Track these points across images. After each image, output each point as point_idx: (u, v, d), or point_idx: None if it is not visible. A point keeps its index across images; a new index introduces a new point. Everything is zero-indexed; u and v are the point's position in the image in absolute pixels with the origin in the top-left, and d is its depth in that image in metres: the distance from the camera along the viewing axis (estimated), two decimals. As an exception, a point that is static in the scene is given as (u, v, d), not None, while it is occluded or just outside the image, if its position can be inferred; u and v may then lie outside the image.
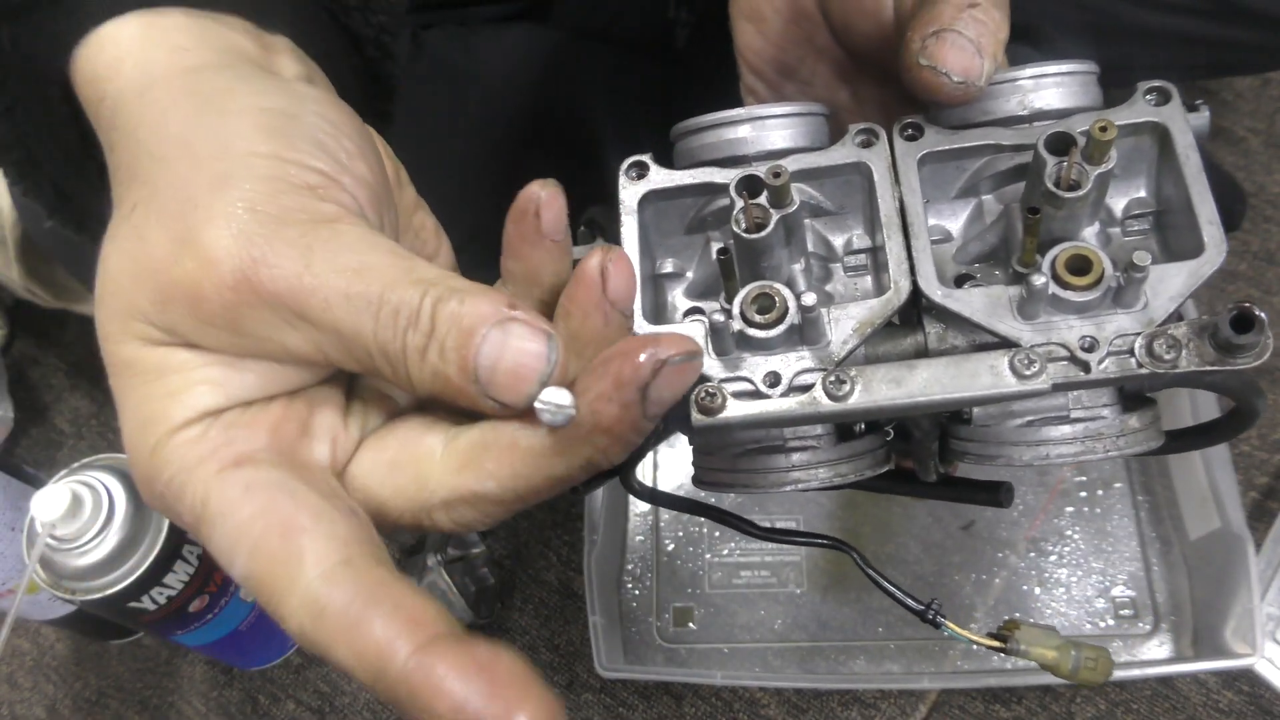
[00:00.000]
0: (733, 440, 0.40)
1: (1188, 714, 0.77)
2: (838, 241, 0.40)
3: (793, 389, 0.36)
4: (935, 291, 0.36)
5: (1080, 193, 0.34)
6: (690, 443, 0.43)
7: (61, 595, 0.66)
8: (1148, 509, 0.83)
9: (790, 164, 0.38)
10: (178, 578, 0.68)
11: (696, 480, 0.43)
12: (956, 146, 0.38)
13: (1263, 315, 0.33)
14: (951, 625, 0.48)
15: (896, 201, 0.38)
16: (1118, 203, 0.38)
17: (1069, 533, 0.82)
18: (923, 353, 0.37)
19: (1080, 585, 0.81)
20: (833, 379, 0.35)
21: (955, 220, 0.40)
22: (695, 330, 0.37)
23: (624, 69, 0.75)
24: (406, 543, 0.90)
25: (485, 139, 0.72)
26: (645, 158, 0.40)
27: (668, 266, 0.41)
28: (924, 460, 0.44)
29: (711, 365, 0.36)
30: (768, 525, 0.50)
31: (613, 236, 0.40)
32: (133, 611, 0.68)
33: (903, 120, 0.39)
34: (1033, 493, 0.84)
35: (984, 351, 0.35)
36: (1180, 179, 0.36)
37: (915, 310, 0.38)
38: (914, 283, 0.36)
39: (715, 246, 0.37)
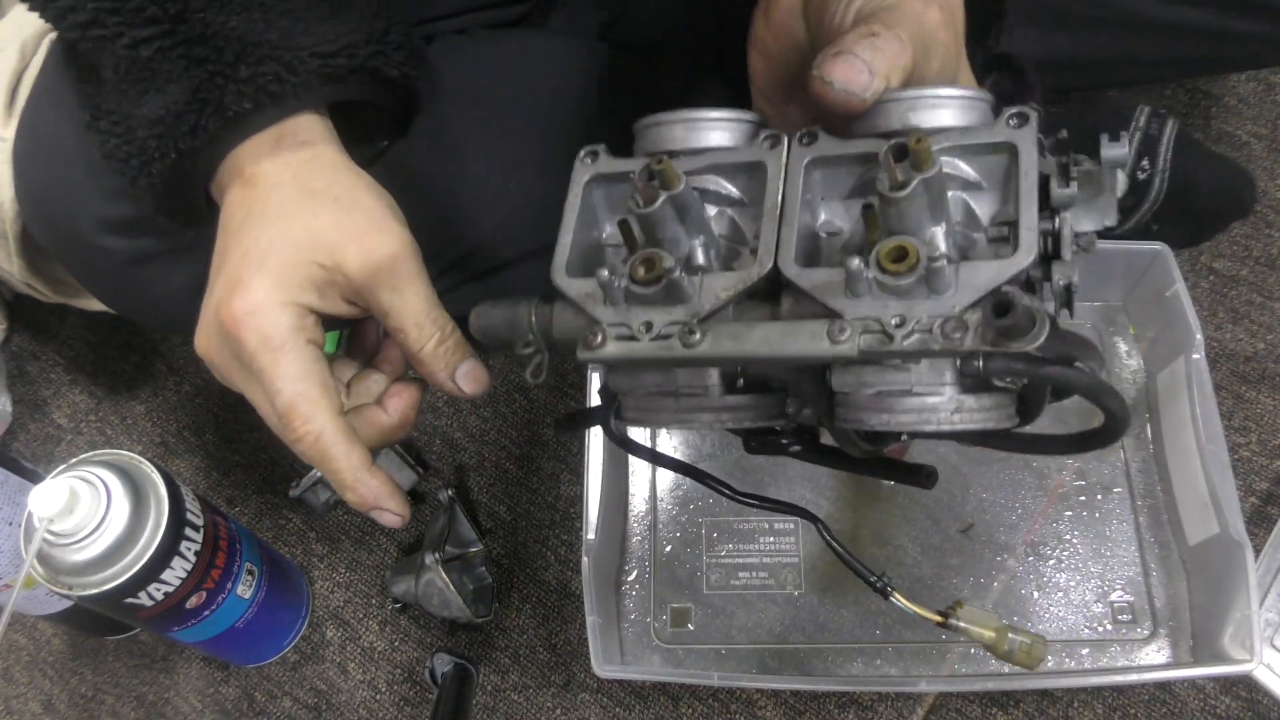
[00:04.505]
0: (639, 384, 0.48)
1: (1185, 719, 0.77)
2: (750, 230, 0.47)
3: (659, 337, 0.43)
4: (790, 269, 0.43)
5: (904, 193, 0.39)
6: (609, 387, 0.50)
7: (58, 590, 0.65)
8: (1147, 514, 0.83)
9: (707, 158, 0.47)
10: (175, 574, 0.68)
11: (616, 416, 0.50)
12: (839, 153, 0.45)
13: (1026, 303, 0.36)
14: (899, 597, 0.54)
15: (779, 195, 0.44)
16: (985, 211, 0.44)
17: (1068, 537, 0.82)
18: (775, 319, 0.44)
19: (1079, 589, 0.80)
20: (688, 331, 0.42)
21: (847, 218, 0.46)
22: (595, 286, 0.45)
23: (619, 71, 0.78)
24: (404, 541, 0.90)
25: (488, 137, 0.73)
26: (599, 147, 0.48)
27: (607, 231, 0.50)
28: (829, 431, 0.48)
29: (605, 312, 0.45)
30: (746, 492, 0.57)
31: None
32: (130, 607, 0.68)
33: (802, 130, 0.45)
34: (1031, 496, 0.84)
35: (815, 320, 0.41)
36: (1017, 191, 0.41)
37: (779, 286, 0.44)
38: (775, 261, 0.43)
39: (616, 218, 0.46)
